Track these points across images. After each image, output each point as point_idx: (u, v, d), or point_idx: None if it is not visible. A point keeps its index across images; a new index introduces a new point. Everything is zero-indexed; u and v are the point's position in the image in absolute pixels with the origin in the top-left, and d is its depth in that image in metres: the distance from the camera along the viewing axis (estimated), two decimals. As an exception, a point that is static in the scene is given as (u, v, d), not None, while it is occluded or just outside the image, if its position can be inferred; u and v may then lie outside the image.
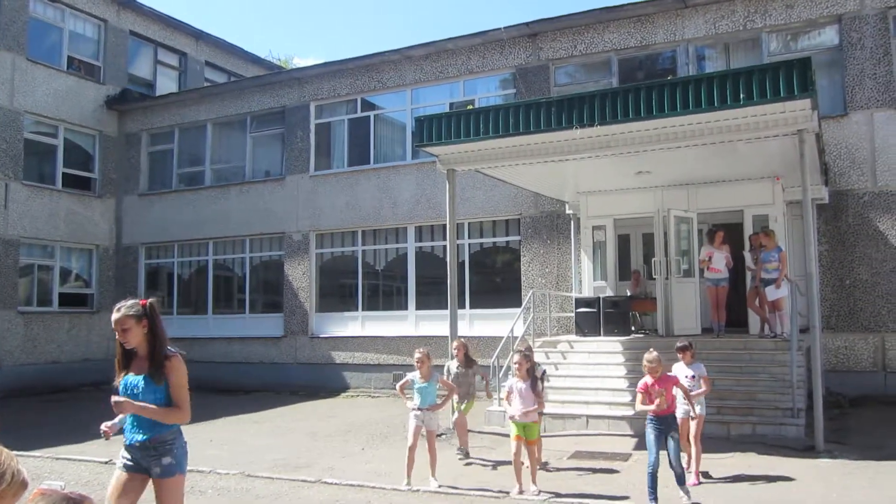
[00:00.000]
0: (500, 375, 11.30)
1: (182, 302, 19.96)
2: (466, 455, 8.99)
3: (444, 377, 8.99)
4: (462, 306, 14.91)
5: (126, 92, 20.58)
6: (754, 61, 13.30)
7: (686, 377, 7.61)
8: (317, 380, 16.80)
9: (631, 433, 9.99)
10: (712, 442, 8.32)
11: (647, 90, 9.20)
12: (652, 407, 6.67)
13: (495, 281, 16.33)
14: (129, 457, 4.26)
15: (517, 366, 7.37)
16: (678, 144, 9.64)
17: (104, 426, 4.26)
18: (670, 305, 12.46)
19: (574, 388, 11.21)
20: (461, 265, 15.51)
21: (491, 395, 10.29)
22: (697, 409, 7.63)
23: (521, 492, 7.14)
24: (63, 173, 19.31)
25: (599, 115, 9.40)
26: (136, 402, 4.12)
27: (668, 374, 7.07)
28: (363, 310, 17.21)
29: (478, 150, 10.73)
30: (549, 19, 15.26)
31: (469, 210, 15.68)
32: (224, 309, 19.28)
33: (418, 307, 16.50)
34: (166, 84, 21.91)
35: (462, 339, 9.75)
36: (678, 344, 7.81)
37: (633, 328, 13.40)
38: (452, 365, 9.26)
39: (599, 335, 12.65)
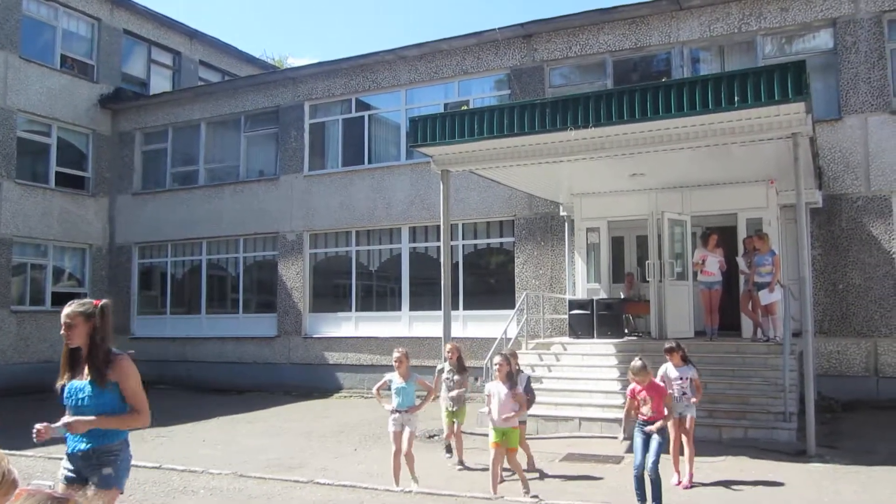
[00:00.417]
0: (492, 377, 11.28)
1: (175, 302, 19.90)
2: (461, 463, 8.87)
3: (437, 379, 8.91)
4: (456, 307, 14.90)
5: (120, 91, 20.52)
6: (749, 64, 13.33)
7: (677, 380, 7.63)
8: (310, 380, 16.77)
9: (623, 436, 9.97)
10: (704, 445, 8.33)
11: (642, 92, 9.20)
12: (641, 414, 6.70)
13: (489, 282, 16.32)
14: (70, 467, 4.02)
15: (497, 367, 7.20)
16: (672, 147, 9.65)
17: (38, 426, 3.85)
18: (664, 308, 12.46)
19: (567, 390, 11.20)
20: (455, 266, 15.51)
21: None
22: (688, 413, 7.69)
23: (498, 496, 7.01)
24: (56, 172, 19.24)
25: (594, 116, 9.39)
26: (88, 419, 3.89)
27: (657, 382, 7.04)
28: (357, 310, 17.19)
29: (472, 151, 10.71)
30: (544, 20, 15.27)
31: (463, 211, 15.67)
32: (217, 309, 19.22)
33: (412, 308, 16.48)
34: (160, 83, 21.85)
35: (456, 343, 9.59)
36: (665, 346, 7.80)
37: (626, 331, 13.41)
38: (446, 368, 8.97)
39: (593, 337, 12.64)
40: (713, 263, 11.98)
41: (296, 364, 17.42)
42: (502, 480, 7.47)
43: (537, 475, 8.06)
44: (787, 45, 13.91)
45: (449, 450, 8.93)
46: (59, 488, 3.93)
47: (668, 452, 7.32)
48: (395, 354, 7.98)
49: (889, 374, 12.56)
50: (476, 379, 12.99)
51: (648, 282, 12.80)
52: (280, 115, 18.37)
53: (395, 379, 7.90)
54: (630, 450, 9.14)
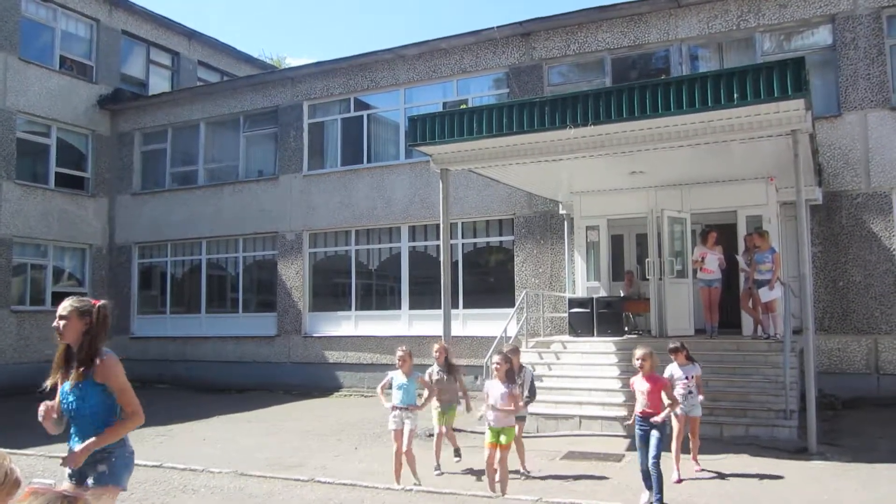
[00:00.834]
0: (490, 375, 11.28)
1: (175, 301, 19.90)
2: (457, 453, 8.85)
3: (429, 381, 8.85)
4: (455, 306, 14.89)
5: (119, 91, 20.51)
6: (748, 61, 13.31)
7: (683, 378, 7.67)
8: (310, 379, 16.76)
9: (624, 434, 9.97)
10: (705, 443, 8.32)
11: (641, 90, 9.19)
12: (637, 407, 6.79)
13: (488, 281, 16.32)
14: (73, 470, 3.98)
15: (496, 366, 7.16)
16: (672, 144, 9.63)
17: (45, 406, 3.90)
18: (663, 306, 12.46)
19: (567, 388, 11.19)
20: (454, 265, 15.50)
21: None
22: (693, 412, 7.80)
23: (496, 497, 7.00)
24: (56, 173, 19.25)
25: (593, 114, 9.38)
26: (84, 446, 3.82)
27: (658, 375, 7.06)
28: (356, 309, 17.19)
29: (471, 150, 10.70)
30: (543, 19, 15.26)
31: (462, 210, 15.67)
32: (217, 308, 19.22)
33: (411, 307, 16.47)
34: (159, 83, 21.85)
35: (444, 343, 9.45)
36: (670, 345, 7.89)
37: (626, 329, 13.40)
38: (434, 370, 8.73)
39: (593, 335, 12.63)
40: (712, 261, 11.97)
41: (295, 363, 17.42)
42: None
43: (521, 477, 7.94)
44: (786, 41, 13.89)
45: (458, 453, 8.87)
46: (65, 486, 3.93)
47: (669, 450, 7.33)
48: (399, 353, 8.01)
49: (890, 372, 12.55)
50: (476, 378, 13.00)
51: (648, 280, 12.80)
52: (279, 114, 18.37)
53: (398, 376, 7.93)
54: (631, 447, 9.18)
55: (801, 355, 10.44)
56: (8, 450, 2.05)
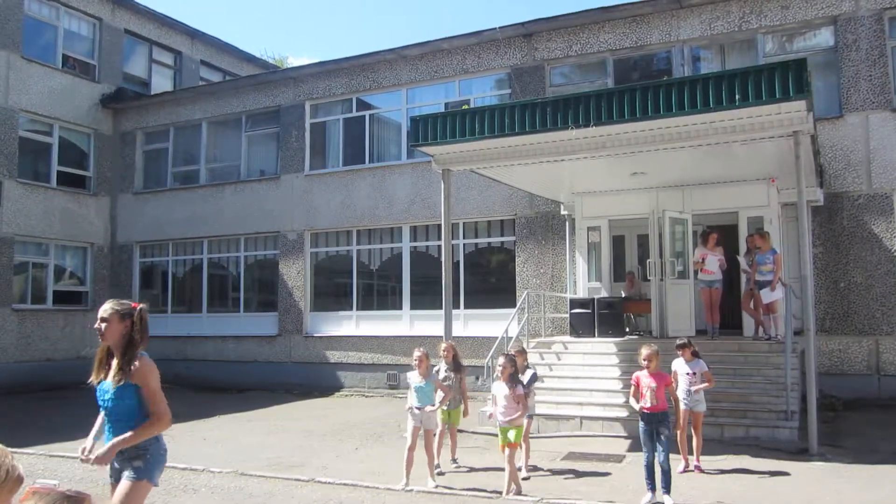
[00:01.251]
0: (495, 377, 11.27)
1: (176, 300, 19.93)
2: (454, 461, 8.85)
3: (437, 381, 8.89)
4: (457, 306, 14.90)
5: (121, 90, 20.54)
6: (750, 62, 13.31)
7: (686, 374, 7.81)
8: (311, 379, 16.77)
9: (625, 434, 9.98)
10: (706, 443, 8.32)
11: (643, 91, 9.19)
12: (643, 403, 6.84)
13: (490, 281, 16.32)
14: (111, 469, 4.13)
15: (501, 369, 7.28)
16: (673, 145, 9.64)
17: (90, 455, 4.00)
18: (665, 307, 12.46)
19: (568, 389, 11.20)
20: (456, 265, 15.51)
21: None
22: (697, 408, 7.93)
23: (518, 493, 7.13)
24: (58, 171, 19.27)
25: (595, 115, 9.39)
26: (114, 442, 3.94)
27: (664, 373, 7.17)
28: (358, 309, 17.19)
29: (473, 151, 10.71)
30: (545, 19, 15.26)
31: (464, 210, 15.67)
32: (218, 307, 19.24)
33: (413, 307, 16.48)
34: (161, 83, 21.88)
35: (451, 342, 9.55)
36: (678, 342, 8.12)
37: (627, 329, 13.40)
38: (442, 368, 8.86)
39: (594, 336, 12.63)
40: (713, 262, 11.97)
41: (297, 363, 17.43)
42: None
43: (527, 476, 7.97)
44: (788, 43, 13.89)
45: (454, 461, 8.87)
46: (111, 488, 4.10)
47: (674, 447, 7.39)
48: (416, 354, 8.07)
49: (891, 373, 12.55)
50: (476, 378, 13.01)
51: (649, 280, 12.79)
52: (281, 114, 18.38)
53: (415, 378, 7.97)
54: (632, 448, 9.19)
55: (802, 356, 10.44)
56: (8, 448, 2.05)
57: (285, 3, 65.99)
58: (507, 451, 7.04)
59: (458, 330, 14.39)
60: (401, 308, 16.70)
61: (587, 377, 11.41)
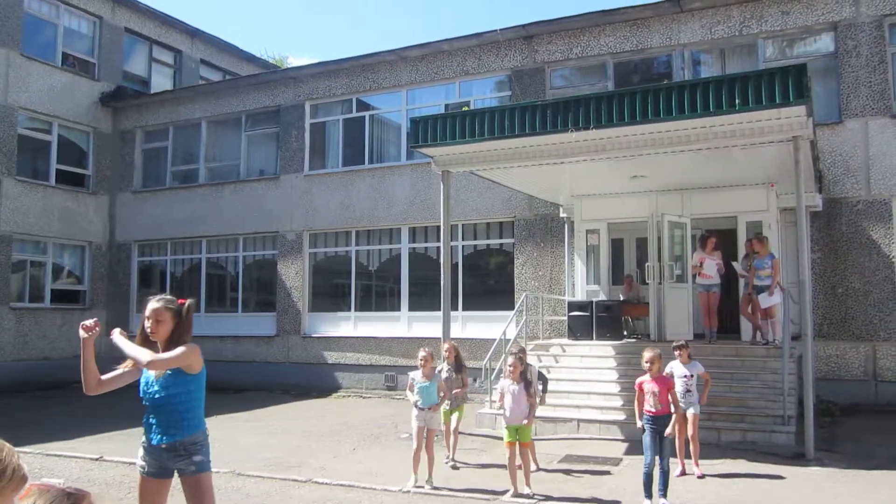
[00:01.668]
0: (493, 378, 11.30)
1: (174, 300, 19.87)
2: (452, 461, 8.87)
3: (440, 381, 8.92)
4: (455, 308, 14.89)
5: (121, 89, 20.53)
6: (750, 67, 13.34)
7: (683, 376, 7.84)
8: (309, 379, 16.76)
9: (622, 437, 9.99)
10: (703, 448, 8.32)
11: (643, 94, 9.20)
12: (647, 407, 6.85)
13: (488, 283, 16.32)
14: (150, 460, 4.18)
15: (511, 368, 7.35)
16: (673, 149, 9.64)
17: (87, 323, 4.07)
18: (663, 310, 12.47)
19: (566, 391, 11.20)
20: (454, 267, 15.51)
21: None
22: (692, 410, 7.97)
23: (515, 494, 7.16)
24: (57, 170, 19.25)
25: (595, 118, 9.40)
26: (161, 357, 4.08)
27: (666, 377, 7.20)
28: (356, 310, 17.19)
29: (473, 152, 10.72)
30: (545, 22, 15.27)
31: (463, 212, 15.68)
32: (217, 307, 19.23)
33: (411, 308, 16.48)
34: (161, 81, 21.87)
35: (453, 342, 9.61)
36: (675, 343, 8.17)
37: (625, 333, 13.41)
38: (443, 367, 8.96)
39: (592, 339, 12.64)
40: (711, 266, 11.99)
41: (295, 363, 17.42)
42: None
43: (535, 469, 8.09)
44: (789, 48, 13.91)
45: (455, 467, 8.87)
46: (143, 481, 4.16)
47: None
48: (421, 353, 8.07)
49: (888, 379, 12.56)
50: (475, 380, 13.00)
51: (648, 284, 12.81)
52: (281, 114, 18.38)
53: (419, 378, 7.99)
54: (629, 452, 9.20)
55: (800, 361, 10.45)
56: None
57: (286, 2, 66.03)
58: (516, 448, 7.21)
59: (457, 332, 14.37)
60: (399, 309, 16.70)
61: (585, 380, 11.42)
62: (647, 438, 6.83)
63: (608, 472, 8.33)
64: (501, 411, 7.48)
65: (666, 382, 7.03)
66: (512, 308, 13.77)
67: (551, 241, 15.19)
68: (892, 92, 13.01)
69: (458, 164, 11.09)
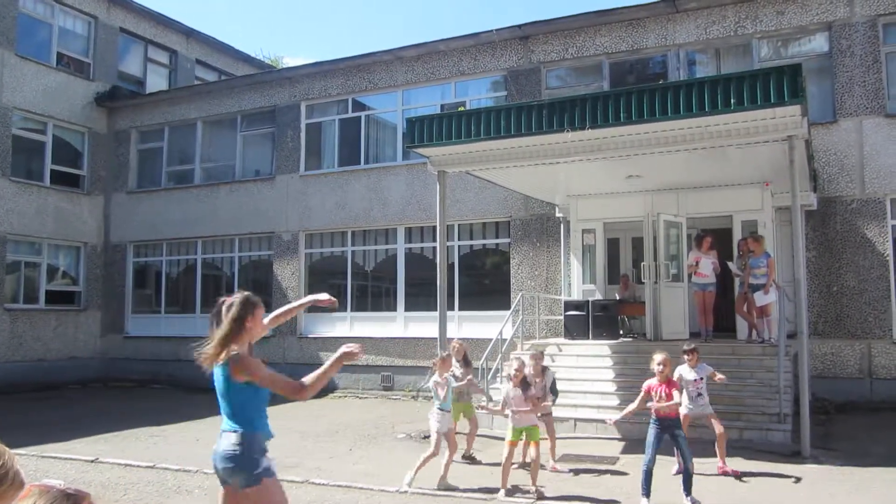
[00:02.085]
0: (489, 378, 11.31)
1: (170, 301, 19.86)
2: (463, 457, 8.96)
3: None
4: (451, 308, 14.90)
5: (116, 89, 20.47)
6: (745, 67, 13.38)
7: (693, 380, 7.93)
8: (305, 380, 16.69)
9: (618, 437, 10.01)
10: (700, 446, 8.34)
11: (639, 94, 9.22)
12: (660, 405, 6.86)
13: (484, 283, 16.33)
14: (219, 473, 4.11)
15: (514, 375, 7.60)
16: (669, 149, 9.66)
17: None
18: (659, 310, 12.49)
19: (562, 391, 11.11)
20: (451, 267, 15.50)
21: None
22: (706, 411, 8.09)
23: (508, 493, 7.20)
24: (51, 170, 19.19)
25: (591, 118, 9.41)
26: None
27: (674, 380, 7.31)
28: (352, 310, 17.17)
29: (469, 152, 10.72)
30: (541, 22, 15.28)
31: (459, 212, 15.67)
32: (212, 308, 19.12)
33: (407, 308, 16.47)
34: (156, 82, 21.81)
35: (459, 341, 9.75)
36: (685, 347, 8.19)
37: (621, 332, 13.43)
38: (455, 365, 9.10)
39: (588, 338, 12.66)
40: (707, 265, 12.02)
41: (291, 364, 17.34)
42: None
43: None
44: (783, 48, 13.95)
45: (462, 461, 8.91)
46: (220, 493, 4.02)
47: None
48: (442, 355, 8.29)
49: (882, 376, 12.61)
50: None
51: (644, 283, 12.83)
52: (276, 114, 18.36)
53: (436, 378, 8.07)
54: (626, 451, 9.22)
55: (796, 359, 10.49)
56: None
57: (281, 3, 65.95)
58: (532, 450, 7.41)
59: (453, 331, 14.37)
60: (395, 310, 16.69)
61: (581, 379, 11.43)
62: (650, 436, 6.85)
63: (605, 472, 8.34)
64: (502, 409, 7.62)
65: (673, 385, 7.05)
66: (508, 308, 13.78)
67: (547, 240, 15.20)
68: (887, 91, 13.06)
69: (454, 164, 11.09)
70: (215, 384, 4.13)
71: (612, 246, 14.66)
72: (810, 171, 11.73)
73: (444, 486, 7.52)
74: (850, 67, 13.20)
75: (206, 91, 19.78)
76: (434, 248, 13.84)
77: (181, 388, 17.35)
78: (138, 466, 8.61)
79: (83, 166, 20.12)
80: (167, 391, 17.06)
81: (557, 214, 14.83)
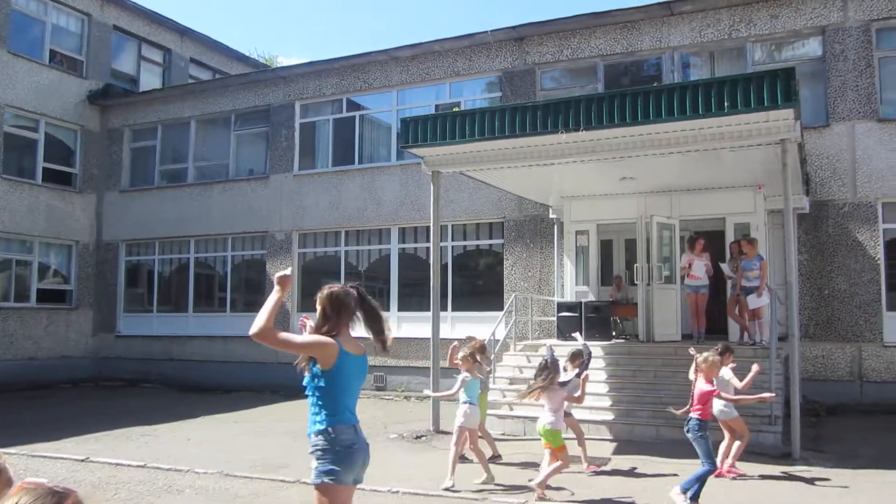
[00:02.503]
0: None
1: (162, 300, 19.79)
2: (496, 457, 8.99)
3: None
4: (444, 309, 14.89)
5: (109, 87, 20.39)
6: (739, 70, 13.42)
7: (728, 379, 8.05)
8: (298, 380, 16.13)
9: (610, 437, 10.03)
10: (690, 448, 8.35)
11: (633, 96, 9.25)
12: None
13: (478, 284, 16.33)
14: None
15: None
16: (662, 151, 9.69)
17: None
18: (651, 311, 12.52)
19: (555, 392, 11.19)
20: (444, 267, 15.51)
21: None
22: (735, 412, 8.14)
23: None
24: (43, 168, 19.09)
25: (585, 120, 9.44)
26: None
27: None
28: (345, 310, 17.09)
29: (463, 153, 10.72)
30: (537, 23, 15.31)
31: (453, 212, 15.68)
32: (205, 307, 19.13)
33: (400, 308, 16.46)
34: (150, 80, 21.73)
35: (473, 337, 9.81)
36: (720, 346, 8.08)
37: (613, 333, 13.44)
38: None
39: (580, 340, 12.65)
40: (699, 267, 12.05)
41: (283, 363, 17.24)
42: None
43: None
44: (777, 52, 14.01)
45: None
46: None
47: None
48: (464, 351, 8.40)
49: (873, 379, 12.68)
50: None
51: (636, 285, 12.85)
52: (270, 114, 18.32)
53: (466, 376, 8.19)
54: (617, 451, 9.24)
55: (787, 362, 10.52)
56: (-2, 449, 2.06)
57: (276, 2, 65.85)
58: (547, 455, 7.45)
59: (446, 332, 14.37)
60: (388, 310, 16.65)
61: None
62: (709, 443, 6.89)
63: (598, 473, 8.34)
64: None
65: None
66: (501, 309, 13.79)
67: (541, 241, 15.21)
68: (879, 96, 13.14)
69: (448, 164, 11.09)
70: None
71: (606, 247, 14.69)
72: (803, 175, 11.78)
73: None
74: (844, 72, 13.26)
75: (200, 90, 19.73)
76: (428, 248, 13.80)
77: (173, 387, 17.32)
78: (129, 466, 8.57)
79: (75, 164, 20.03)
80: (159, 390, 17.00)
81: (551, 216, 14.85)
